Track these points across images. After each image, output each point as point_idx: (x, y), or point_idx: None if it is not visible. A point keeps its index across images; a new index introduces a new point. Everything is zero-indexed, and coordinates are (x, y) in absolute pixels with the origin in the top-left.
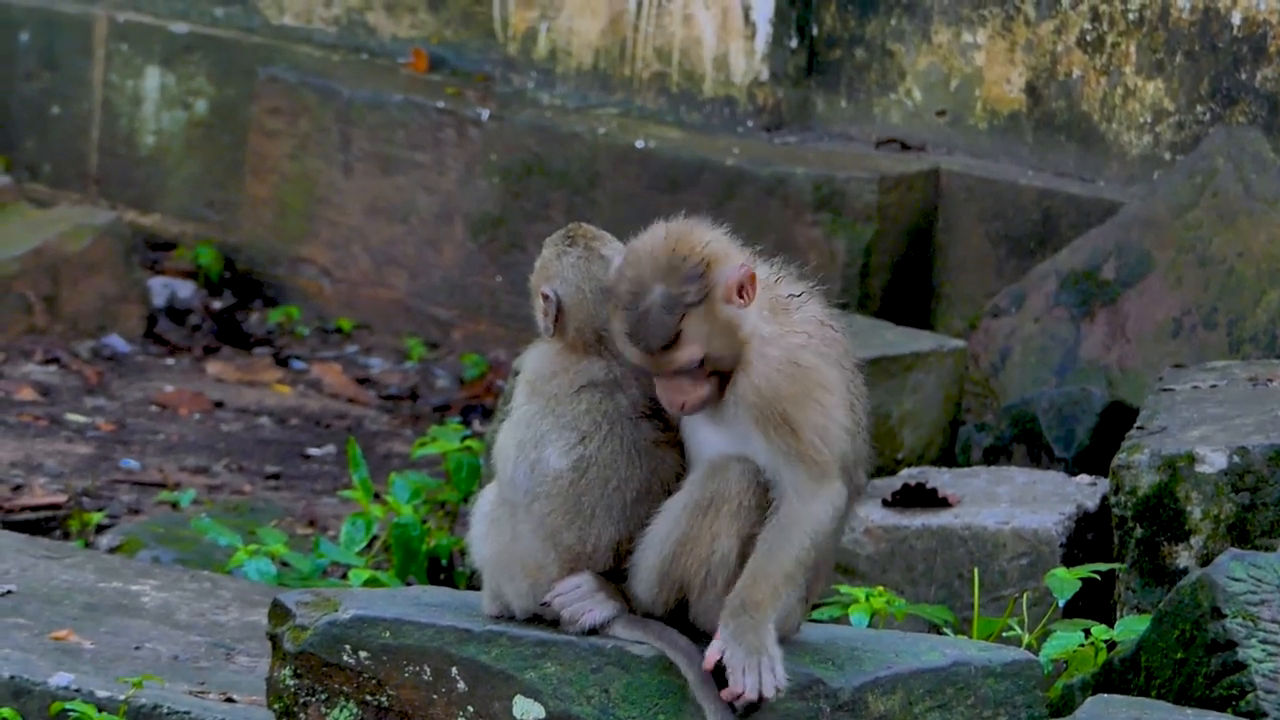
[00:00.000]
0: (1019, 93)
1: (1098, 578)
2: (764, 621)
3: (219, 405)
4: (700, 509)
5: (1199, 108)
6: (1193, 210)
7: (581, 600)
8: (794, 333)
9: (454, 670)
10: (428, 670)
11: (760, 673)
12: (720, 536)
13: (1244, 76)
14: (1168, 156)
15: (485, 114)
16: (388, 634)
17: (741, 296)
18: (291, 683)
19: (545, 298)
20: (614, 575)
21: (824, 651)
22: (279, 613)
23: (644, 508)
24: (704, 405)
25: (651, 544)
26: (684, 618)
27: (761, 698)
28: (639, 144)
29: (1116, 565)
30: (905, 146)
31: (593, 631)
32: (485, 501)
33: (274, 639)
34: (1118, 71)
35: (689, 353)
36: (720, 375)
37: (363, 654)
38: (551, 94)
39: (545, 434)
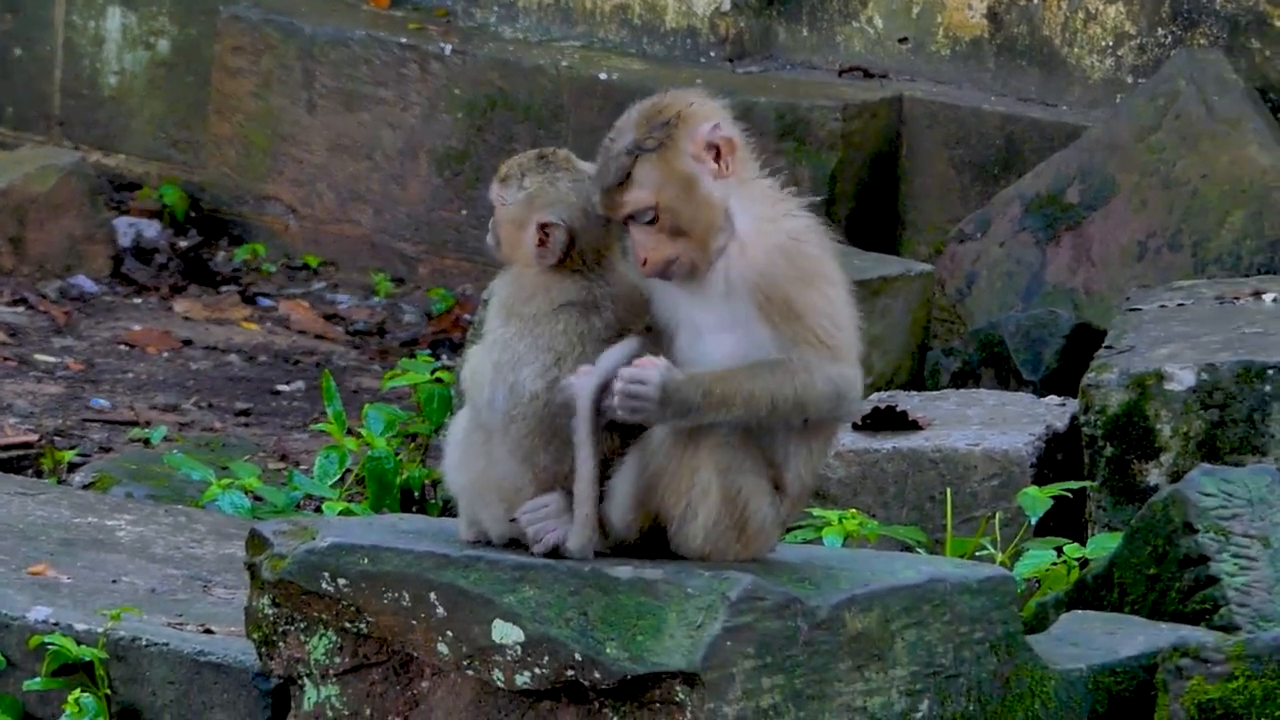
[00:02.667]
0: (980, 18)
1: (1069, 496)
2: (694, 390)
3: (187, 343)
4: (680, 442)
5: (1160, 31)
6: (1156, 133)
7: (547, 520)
8: (792, 216)
9: (432, 595)
10: (406, 596)
11: (633, 394)
12: (701, 469)
13: None
14: (1130, 80)
15: (448, 49)
16: (366, 561)
17: (717, 162)
18: (270, 612)
19: (547, 227)
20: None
21: (800, 571)
22: (257, 542)
23: (620, 429)
24: (670, 268)
25: (628, 472)
26: (660, 544)
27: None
28: (602, 76)
29: (1087, 484)
30: (868, 74)
31: (555, 552)
32: (458, 429)
33: (252, 568)
34: None
35: (637, 196)
36: (687, 240)
37: (341, 581)
38: (514, 28)
39: (522, 355)
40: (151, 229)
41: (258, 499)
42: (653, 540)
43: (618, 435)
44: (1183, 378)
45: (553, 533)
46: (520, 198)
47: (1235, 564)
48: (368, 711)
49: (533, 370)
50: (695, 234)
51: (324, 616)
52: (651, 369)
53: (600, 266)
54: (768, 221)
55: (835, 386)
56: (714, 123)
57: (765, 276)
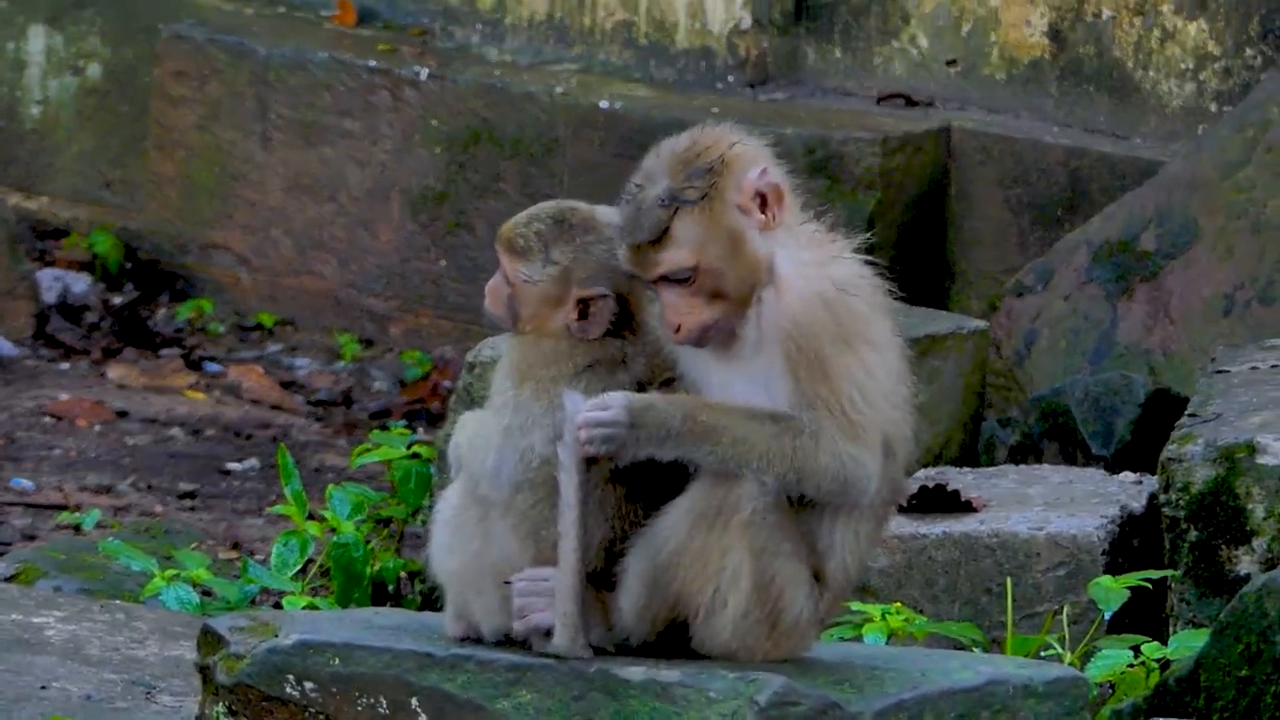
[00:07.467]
0: (1041, 37)
1: (1148, 587)
2: (673, 413)
3: (122, 415)
4: (705, 519)
5: (1248, 51)
6: (1244, 169)
7: (541, 595)
8: (841, 261)
9: (414, 702)
10: (384, 702)
11: (600, 425)
12: (731, 550)
13: None
14: (1214, 108)
15: (424, 73)
16: (337, 661)
17: (764, 211)
18: None
19: (592, 301)
20: (603, 582)
21: (840, 671)
22: (210, 640)
23: (642, 505)
24: (705, 335)
25: (644, 552)
26: (680, 643)
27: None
28: (603, 105)
29: (1169, 573)
30: (911, 102)
31: (546, 635)
32: (448, 506)
33: (204, 671)
34: (1155, 11)
35: (675, 256)
36: (726, 303)
37: (308, 685)
38: (500, 49)
39: (537, 418)
40: (81, 283)
41: (207, 593)
42: (666, 636)
43: (640, 508)
44: (1277, 450)
45: (541, 613)
46: (552, 273)
47: None
48: None
49: (546, 434)
50: (736, 296)
51: None
52: (613, 395)
53: (634, 323)
54: (812, 266)
55: (842, 467)
56: (761, 167)
57: (800, 326)
